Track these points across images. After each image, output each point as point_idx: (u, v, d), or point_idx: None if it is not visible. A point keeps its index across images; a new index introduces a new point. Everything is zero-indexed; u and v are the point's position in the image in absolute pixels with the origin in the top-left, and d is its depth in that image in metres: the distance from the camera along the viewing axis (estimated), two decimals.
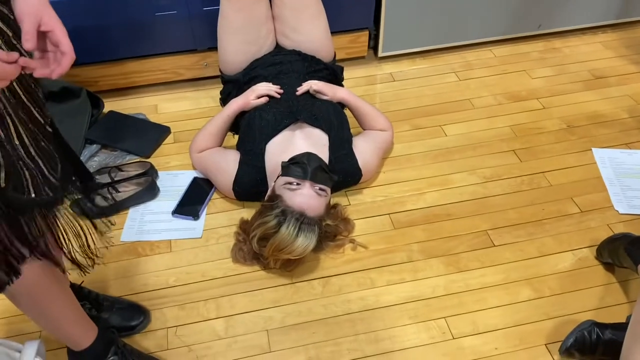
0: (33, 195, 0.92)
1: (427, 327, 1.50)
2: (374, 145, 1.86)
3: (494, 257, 1.66)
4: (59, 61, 0.79)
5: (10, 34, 0.85)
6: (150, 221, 1.78)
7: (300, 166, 1.57)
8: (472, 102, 2.21)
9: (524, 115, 2.14)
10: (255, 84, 1.85)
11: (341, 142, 1.77)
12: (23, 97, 0.87)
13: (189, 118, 2.17)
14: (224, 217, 1.80)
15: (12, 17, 0.85)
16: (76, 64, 2.26)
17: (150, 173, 1.89)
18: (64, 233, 1.04)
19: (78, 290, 1.44)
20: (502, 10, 2.38)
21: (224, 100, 1.99)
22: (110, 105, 2.20)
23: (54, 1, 0.92)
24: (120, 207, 1.81)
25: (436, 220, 1.77)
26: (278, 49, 1.97)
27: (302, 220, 1.50)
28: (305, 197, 1.54)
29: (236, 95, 1.88)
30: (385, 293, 1.58)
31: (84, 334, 1.26)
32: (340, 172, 1.74)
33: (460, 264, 1.64)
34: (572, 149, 2.00)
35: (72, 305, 1.22)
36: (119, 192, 1.84)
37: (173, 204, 1.82)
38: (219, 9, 1.89)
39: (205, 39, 2.19)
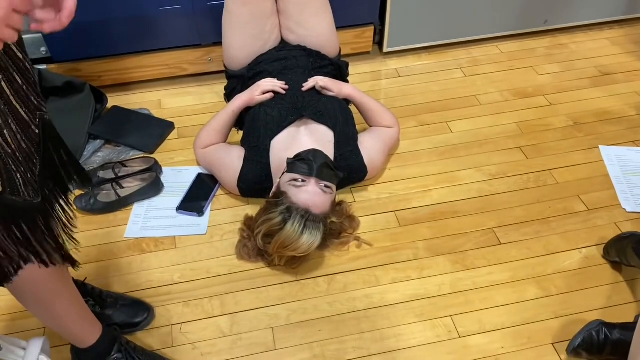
0: (28, 197, 0.90)
1: (433, 325, 1.49)
2: (380, 142, 1.84)
3: (501, 255, 1.65)
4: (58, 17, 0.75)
5: None
6: (155, 217, 1.78)
7: (306, 163, 1.56)
8: (478, 98, 2.19)
9: (531, 112, 2.12)
10: (260, 79, 1.84)
11: (347, 138, 1.75)
12: (11, 97, 0.85)
13: (193, 113, 2.15)
14: (228, 213, 1.79)
15: None
16: (80, 58, 2.28)
17: (155, 169, 1.88)
18: (61, 232, 1.02)
19: (81, 287, 1.43)
20: (508, 5, 2.36)
21: (229, 96, 1.98)
22: (114, 100, 2.19)
23: None
24: (124, 203, 1.80)
25: (442, 218, 1.75)
26: (283, 44, 1.96)
27: (307, 217, 1.49)
28: (310, 194, 1.53)
29: (241, 91, 1.87)
30: (390, 291, 1.57)
31: (89, 331, 1.26)
32: (346, 169, 1.72)
33: (466, 262, 1.63)
34: (579, 146, 1.98)
35: (77, 303, 1.21)
36: (123, 187, 1.83)
37: (177, 200, 1.81)
38: (223, 3, 1.88)
39: (210, 33, 2.18)
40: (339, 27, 2.00)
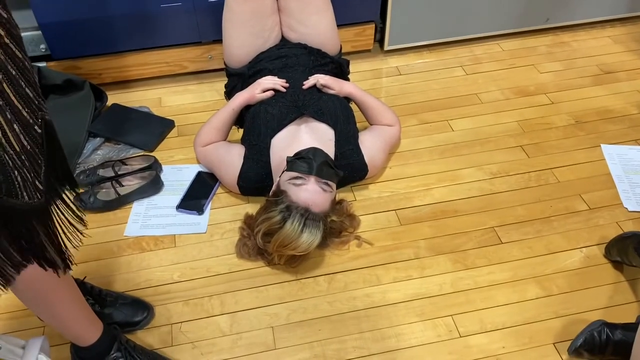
0: (27, 199, 0.89)
1: (433, 325, 1.49)
2: (381, 141, 1.84)
3: (502, 254, 1.64)
4: None
5: (3, 33, 0.83)
6: (154, 216, 1.77)
7: (306, 161, 1.55)
8: (479, 96, 2.19)
9: (532, 111, 2.11)
10: (260, 77, 1.83)
11: (347, 137, 1.75)
12: (13, 98, 0.85)
13: (194, 111, 2.15)
14: (228, 212, 1.78)
15: (5, 15, 0.83)
16: (79, 56, 2.27)
17: (154, 167, 1.87)
18: (61, 234, 1.02)
19: (81, 286, 1.42)
20: (509, 3, 2.35)
21: (229, 94, 1.97)
22: (114, 98, 2.18)
23: None
24: (124, 201, 1.80)
25: (443, 217, 1.75)
26: (283, 42, 1.95)
27: (307, 216, 1.49)
28: (310, 192, 1.53)
29: (241, 89, 1.86)
30: (391, 290, 1.56)
31: (89, 330, 1.25)
32: (346, 167, 1.72)
33: (467, 261, 1.63)
34: (580, 145, 1.97)
35: (78, 302, 1.21)
36: (123, 186, 1.83)
37: (177, 198, 1.81)
38: (224, 1, 1.87)
39: (210, 31, 2.17)
40: (339, 25, 1.99)
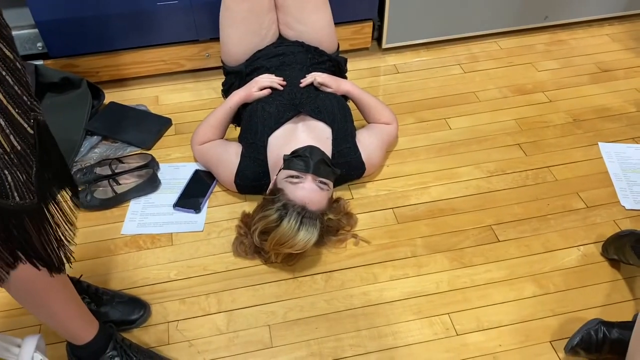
0: (18, 199, 0.89)
1: (430, 323, 1.48)
2: (378, 139, 1.83)
3: (499, 252, 1.64)
4: None
5: None
6: (151, 214, 1.77)
7: (303, 159, 1.55)
8: (477, 94, 2.18)
9: (530, 109, 2.11)
10: (258, 75, 1.83)
11: (344, 135, 1.74)
12: (2, 98, 0.84)
13: (191, 109, 2.14)
14: (225, 210, 1.78)
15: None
16: (77, 54, 2.26)
17: (152, 165, 1.87)
18: (56, 235, 1.01)
19: (77, 284, 1.42)
20: (507, 1, 2.34)
21: (226, 92, 1.97)
22: (111, 96, 2.18)
23: None
24: (121, 199, 1.79)
25: (440, 215, 1.75)
26: (281, 39, 1.95)
27: (304, 214, 1.49)
28: (306, 190, 1.52)
29: (239, 87, 1.86)
30: (388, 288, 1.56)
31: (85, 329, 1.25)
32: (344, 165, 1.72)
33: (464, 259, 1.63)
34: (578, 143, 1.97)
35: (73, 301, 1.20)
36: (120, 184, 1.83)
37: (174, 196, 1.80)
38: None
39: (207, 29, 2.17)
40: (337, 23, 1.99)
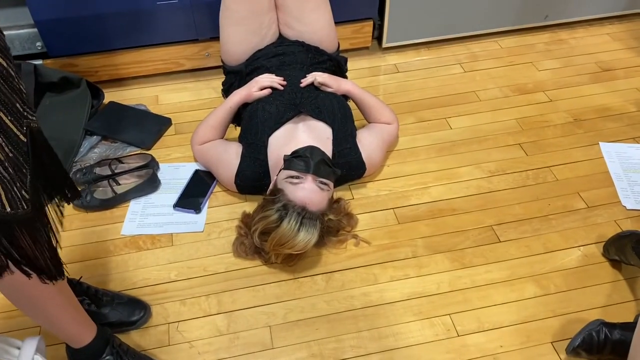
0: (9, 209, 0.88)
1: (431, 324, 1.48)
2: (379, 139, 1.83)
3: (500, 253, 1.64)
4: None
5: None
6: (151, 214, 1.76)
7: (303, 160, 1.55)
8: (477, 94, 2.18)
9: (530, 108, 2.11)
10: (258, 75, 1.82)
11: (345, 135, 1.74)
12: None
13: (190, 109, 2.14)
14: (226, 210, 1.77)
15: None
16: (76, 53, 2.26)
17: (151, 165, 1.86)
18: (47, 242, 1.00)
19: (77, 286, 1.42)
20: (508, 0, 2.34)
21: (226, 92, 1.96)
22: (111, 95, 2.17)
23: None
24: (120, 199, 1.79)
25: (441, 215, 1.74)
26: (281, 39, 1.94)
27: (304, 214, 1.48)
28: (307, 191, 1.52)
29: (239, 87, 1.85)
30: (389, 289, 1.56)
31: (83, 332, 1.24)
32: (344, 165, 1.71)
33: (465, 259, 1.62)
34: (578, 142, 1.97)
35: (70, 304, 1.19)
36: (120, 184, 1.82)
37: (174, 196, 1.80)
38: None
39: (207, 28, 2.16)
40: (337, 22, 1.98)
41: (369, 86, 2.20)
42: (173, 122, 2.08)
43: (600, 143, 1.96)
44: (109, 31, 2.10)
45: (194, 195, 1.80)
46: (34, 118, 0.93)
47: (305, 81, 1.78)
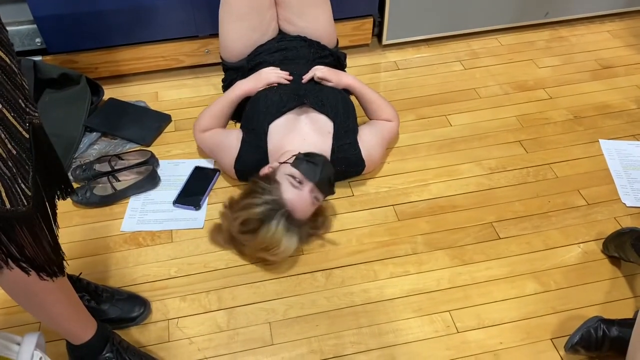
0: (9, 206, 0.88)
1: (431, 320, 1.48)
2: (379, 136, 1.82)
3: (500, 249, 1.64)
4: None
5: None
6: (151, 211, 1.76)
7: (313, 167, 1.53)
8: (477, 91, 2.18)
9: (531, 106, 2.11)
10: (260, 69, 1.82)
11: (346, 131, 1.74)
12: None
13: (190, 106, 2.14)
14: None
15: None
16: (75, 50, 2.25)
17: (151, 162, 1.86)
18: (47, 239, 0.99)
19: (76, 282, 1.42)
20: None
21: (227, 88, 1.96)
22: (110, 92, 2.17)
23: None
24: (120, 196, 1.79)
25: (441, 212, 1.74)
26: (282, 34, 1.94)
27: (288, 221, 1.48)
28: (300, 199, 1.51)
29: None
30: (389, 286, 1.56)
31: (83, 329, 1.24)
32: (342, 161, 1.71)
33: (465, 256, 1.62)
34: (578, 140, 1.97)
35: (71, 301, 1.19)
36: (119, 181, 1.82)
37: (174, 193, 1.80)
38: None
39: (207, 25, 2.16)
40: (337, 19, 1.99)
41: (369, 83, 2.18)
42: (173, 119, 2.08)
43: (600, 140, 1.96)
44: (108, 27, 2.10)
45: (193, 192, 1.80)
46: (36, 114, 0.93)
47: (306, 76, 1.78)
